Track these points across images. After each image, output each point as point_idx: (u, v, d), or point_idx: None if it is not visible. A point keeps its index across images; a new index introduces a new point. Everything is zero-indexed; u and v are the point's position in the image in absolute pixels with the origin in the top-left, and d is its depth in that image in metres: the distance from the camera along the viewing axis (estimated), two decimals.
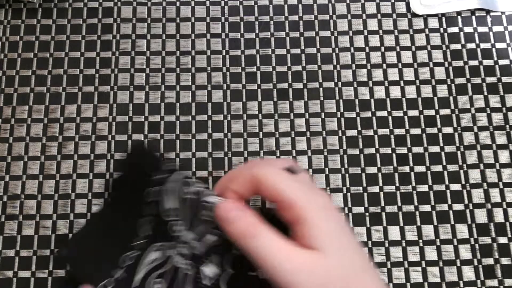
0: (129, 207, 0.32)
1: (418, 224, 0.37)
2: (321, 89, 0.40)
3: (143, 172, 0.32)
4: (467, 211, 0.38)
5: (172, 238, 0.30)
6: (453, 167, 0.39)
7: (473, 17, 0.42)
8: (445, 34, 0.42)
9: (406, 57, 0.41)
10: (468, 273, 0.36)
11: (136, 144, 0.37)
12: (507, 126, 0.40)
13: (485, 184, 0.38)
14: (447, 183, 0.38)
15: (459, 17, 0.42)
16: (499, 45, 0.42)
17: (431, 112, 0.40)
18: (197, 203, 0.29)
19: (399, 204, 0.38)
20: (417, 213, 0.38)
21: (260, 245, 0.25)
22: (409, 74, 0.41)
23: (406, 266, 0.36)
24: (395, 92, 0.40)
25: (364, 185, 0.38)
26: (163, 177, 0.31)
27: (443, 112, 0.40)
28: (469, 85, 0.41)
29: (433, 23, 0.42)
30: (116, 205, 0.33)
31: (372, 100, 0.40)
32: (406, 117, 0.40)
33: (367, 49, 0.41)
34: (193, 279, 0.30)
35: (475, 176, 0.38)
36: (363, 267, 0.26)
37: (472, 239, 0.37)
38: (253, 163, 0.29)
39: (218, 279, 0.30)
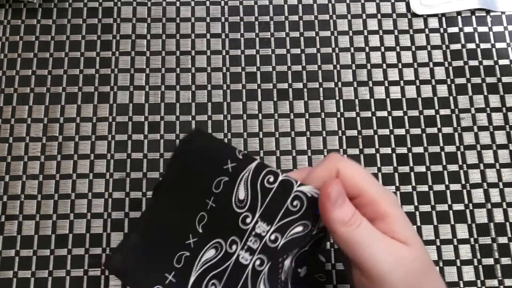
0: (190, 199, 0.30)
1: (418, 224, 0.37)
2: (321, 89, 0.40)
3: (212, 160, 0.29)
4: (467, 211, 0.38)
5: (243, 231, 0.28)
6: (453, 167, 0.39)
7: (473, 17, 0.42)
8: (445, 34, 0.42)
9: (406, 57, 0.41)
10: (468, 273, 0.36)
11: (199, 130, 0.32)
12: (507, 126, 0.40)
13: (485, 184, 0.38)
14: (447, 183, 0.38)
15: (459, 17, 0.42)
16: (499, 45, 0.42)
17: (431, 112, 0.40)
18: (284, 193, 0.27)
19: (399, 204, 0.38)
20: (417, 213, 0.38)
21: (364, 235, 0.25)
22: (409, 74, 0.41)
23: None
24: (395, 92, 0.40)
25: None
26: (236, 165, 0.29)
27: (443, 112, 0.40)
28: (469, 85, 0.41)
29: (433, 23, 0.42)
30: (173, 197, 0.31)
31: (372, 100, 0.40)
32: (406, 117, 0.40)
33: (367, 49, 0.41)
34: (268, 275, 0.27)
35: (475, 176, 0.38)
36: (432, 262, 0.28)
37: (472, 239, 0.37)
38: (331, 157, 0.27)
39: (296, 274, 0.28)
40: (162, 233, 0.31)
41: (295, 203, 0.27)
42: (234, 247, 0.28)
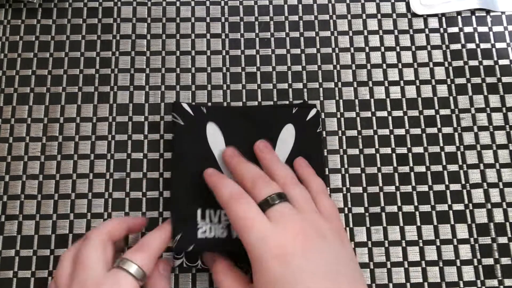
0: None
1: (418, 224, 0.37)
2: (321, 89, 0.40)
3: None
4: (467, 211, 0.38)
5: None
6: (453, 167, 0.39)
7: (473, 17, 0.42)
8: (445, 34, 0.42)
9: (406, 57, 0.41)
10: (468, 273, 0.36)
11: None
12: (507, 126, 0.40)
13: (485, 184, 0.38)
14: (447, 183, 0.38)
15: (459, 17, 0.42)
16: (499, 45, 0.42)
17: (431, 112, 0.40)
18: None
19: (399, 204, 0.38)
20: (417, 213, 0.38)
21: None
22: (409, 74, 0.41)
23: (406, 266, 0.36)
24: (395, 92, 0.40)
25: (364, 185, 0.38)
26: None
27: (443, 112, 0.40)
28: (469, 85, 0.41)
29: (433, 23, 0.42)
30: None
31: (372, 100, 0.40)
32: (406, 117, 0.40)
33: (367, 49, 0.41)
34: None
35: (475, 176, 0.38)
36: None
37: (472, 239, 0.37)
38: (234, 193, 0.31)
39: None
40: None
41: None
42: None
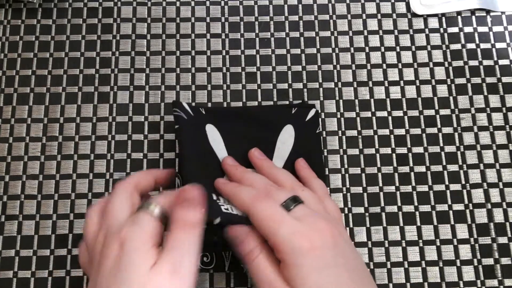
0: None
1: (418, 224, 0.37)
2: (321, 89, 0.40)
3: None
4: (467, 211, 0.38)
5: None
6: (453, 167, 0.39)
7: (473, 17, 0.42)
8: (445, 34, 0.42)
9: (406, 57, 0.41)
10: (468, 273, 0.36)
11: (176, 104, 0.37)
12: (507, 126, 0.40)
13: (485, 184, 0.38)
14: (447, 183, 0.38)
15: (459, 17, 0.42)
16: (499, 45, 0.42)
17: (431, 112, 0.40)
18: None
19: (399, 204, 0.38)
20: (417, 213, 0.38)
21: (256, 268, 0.29)
22: (409, 74, 0.41)
23: (406, 266, 0.36)
24: (395, 92, 0.40)
25: (364, 185, 0.38)
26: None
27: (443, 112, 0.40)
28: (469, 85, 0.41)
29: (433, 23, 0.42)
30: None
31: (372, 100, 0.40)
32: (406, 117, 0.40)
33: (367, 49, 0.41)
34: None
35: (475, 176, 0.38)
36: None
37: (472, 239, 0.37)
38: (255, 195, 0.30)
39: None
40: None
41: None
42: None
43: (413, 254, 0.37)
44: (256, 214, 0.29)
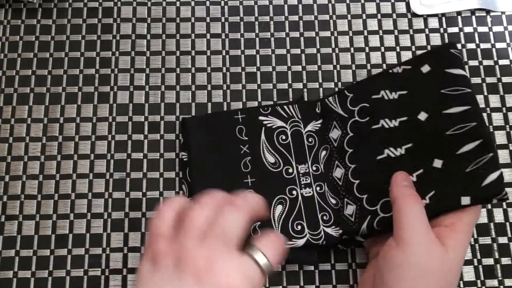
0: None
1: None
2: (321, 89, 0.40)
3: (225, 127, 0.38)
4: None
5: (292, 179, 0.36)
6: None
7: (473, 17, 0.42)
8: (445, 34, 0.42)
9: (406, 57, 0.41)
10: (468, 273, 0.36)
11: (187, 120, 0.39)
12: (507, 126, 0.40)
13: None
14: None
15: (459, 17, 0.42)
16: (499, 45, 0.42)
17: None
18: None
19: None
20: None
21: (413, 214, 0.30)
22: None
23: None
24: None
25: None
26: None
27: None
28: None
29: (433, 23, 0.42)
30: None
31: None
32: None
33: (367, 49, 0.41)
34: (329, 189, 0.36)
35: None
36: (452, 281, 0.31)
37: (472, 239, 0.37)
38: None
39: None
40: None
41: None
42: (294, 192, 0.36)
43: None
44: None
